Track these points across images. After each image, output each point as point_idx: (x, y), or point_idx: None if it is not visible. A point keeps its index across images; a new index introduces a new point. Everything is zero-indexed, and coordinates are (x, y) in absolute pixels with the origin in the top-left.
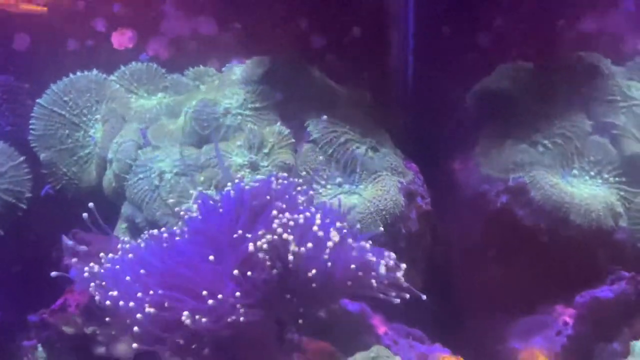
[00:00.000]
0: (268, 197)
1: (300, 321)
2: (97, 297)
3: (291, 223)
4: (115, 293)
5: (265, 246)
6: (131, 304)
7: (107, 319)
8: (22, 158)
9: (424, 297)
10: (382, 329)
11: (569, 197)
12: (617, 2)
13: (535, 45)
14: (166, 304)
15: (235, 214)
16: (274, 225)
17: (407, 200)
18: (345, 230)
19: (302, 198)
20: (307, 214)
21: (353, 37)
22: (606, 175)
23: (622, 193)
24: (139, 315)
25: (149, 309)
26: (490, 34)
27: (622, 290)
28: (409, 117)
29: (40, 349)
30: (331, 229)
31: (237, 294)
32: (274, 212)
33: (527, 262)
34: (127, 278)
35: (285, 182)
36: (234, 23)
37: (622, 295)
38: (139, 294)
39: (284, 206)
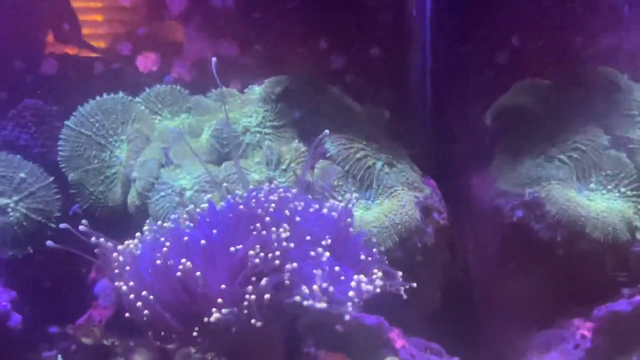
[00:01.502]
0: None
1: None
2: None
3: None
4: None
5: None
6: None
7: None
8: (51, 178)
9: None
10: (399, 343)
11: (585, 210)
12: (636, 17)
13: (553, 62)
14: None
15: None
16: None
17: (424, 215)
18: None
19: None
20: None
21: (372, 56)
22: (623, 189)
23: (639, 206)
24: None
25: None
26: (508, 51)
27: None
28: (427, 133)
29: (60, 359)
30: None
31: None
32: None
33: (543, 275)
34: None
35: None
36: (255, 44)
37: None
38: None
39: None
